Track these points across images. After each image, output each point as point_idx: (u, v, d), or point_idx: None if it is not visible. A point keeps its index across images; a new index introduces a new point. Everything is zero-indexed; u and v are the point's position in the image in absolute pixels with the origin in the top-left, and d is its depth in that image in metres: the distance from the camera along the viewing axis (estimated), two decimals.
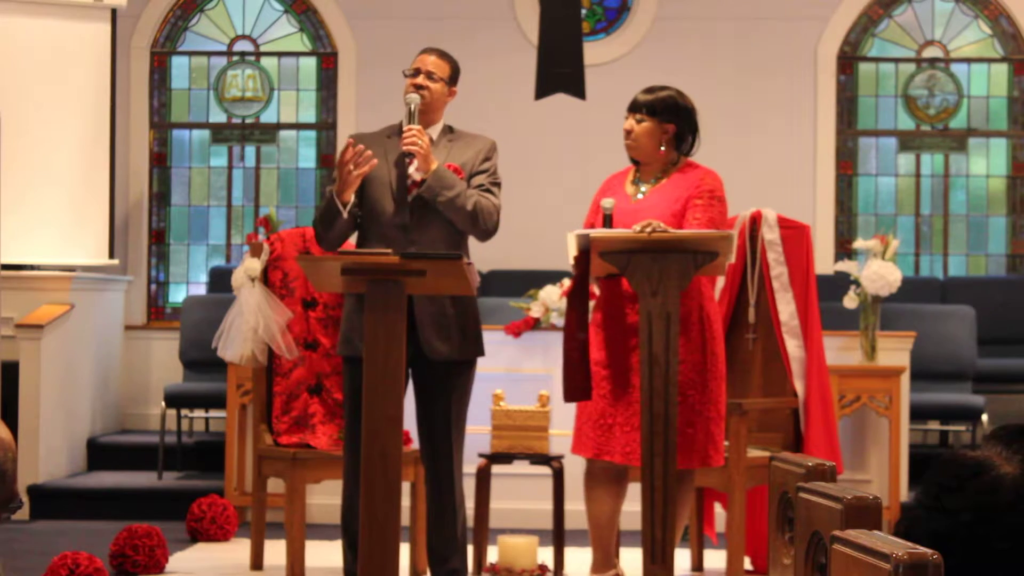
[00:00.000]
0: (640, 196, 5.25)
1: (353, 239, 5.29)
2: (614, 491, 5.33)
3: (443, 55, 5.32)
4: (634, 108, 5.29)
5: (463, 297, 5.13)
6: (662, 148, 5.27)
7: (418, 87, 5.23)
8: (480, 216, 5.14)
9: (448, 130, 5.34)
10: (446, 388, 5.18)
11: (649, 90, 5.32)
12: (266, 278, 6.05)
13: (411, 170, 5.16)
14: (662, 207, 5.16)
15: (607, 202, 5.18)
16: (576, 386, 5.01)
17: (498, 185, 5.28)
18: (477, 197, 5.15)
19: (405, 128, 5.13)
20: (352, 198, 5.06)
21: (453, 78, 5.33)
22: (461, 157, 5.25)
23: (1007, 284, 9.11)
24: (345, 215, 5.02)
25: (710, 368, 5.14)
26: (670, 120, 5.27)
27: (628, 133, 5.28)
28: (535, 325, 7.25)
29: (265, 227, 6.56)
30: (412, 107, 5.16)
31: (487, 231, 5.19)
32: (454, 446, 5.20)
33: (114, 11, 8.54)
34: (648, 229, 4.84)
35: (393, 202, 5.16)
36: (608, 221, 5.13)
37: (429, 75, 5.25)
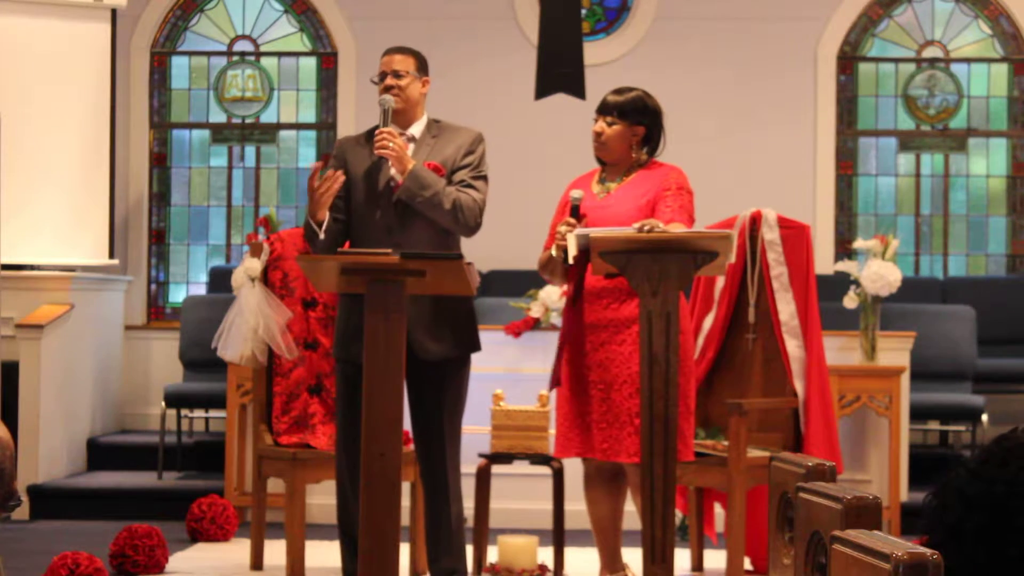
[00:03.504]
0: (606, 194, 5.28)
1: None
2: (612, 491, 5.35)
3: (404, 50, 5.29)
4: (604, 110, 5.30)
5: (453, 295, 5.10)
6: (632, 150, 5.30)
7: (389, 88, 5.21)
8: (460, 213, 5.11)
9: (433, 124, 5.31)
10: (439, 388, 5.16)
11: (618, 91, 5.35)
12: (266, 278, 6.05)
13: (392, 172, 5.14)
14: (628, 203, 5.19)
15: (576, 192, 5.21)
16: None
17: (483, 178, 5.23)
18: (456, 194, 5.11)
19: (377, 132, 5.12)
20: (327, 216, 5.05)
21: (421, 69, 5.29)
22: (442, 154, 5.22)
23: (1007, 284, 9.11)
24: (322, 235, 5.02)
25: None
26: (639, 122, 5.30)
27: (598, 135, 5.30)
28: (535, 325, 7.25)
29: (265, 227, 6.56)
30: (386, 107, 5.14)
31: (469, 227, 5.16)
32: (448, 445, 5.18)
33: (114, 11, 8.54)
34: (647, 228, 4.84)
35: (376, 205, 5.15)
36: (575, 211, 5.15)
37: (396, 75, 5.23)
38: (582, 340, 5.22)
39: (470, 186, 5.17)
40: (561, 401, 5.28)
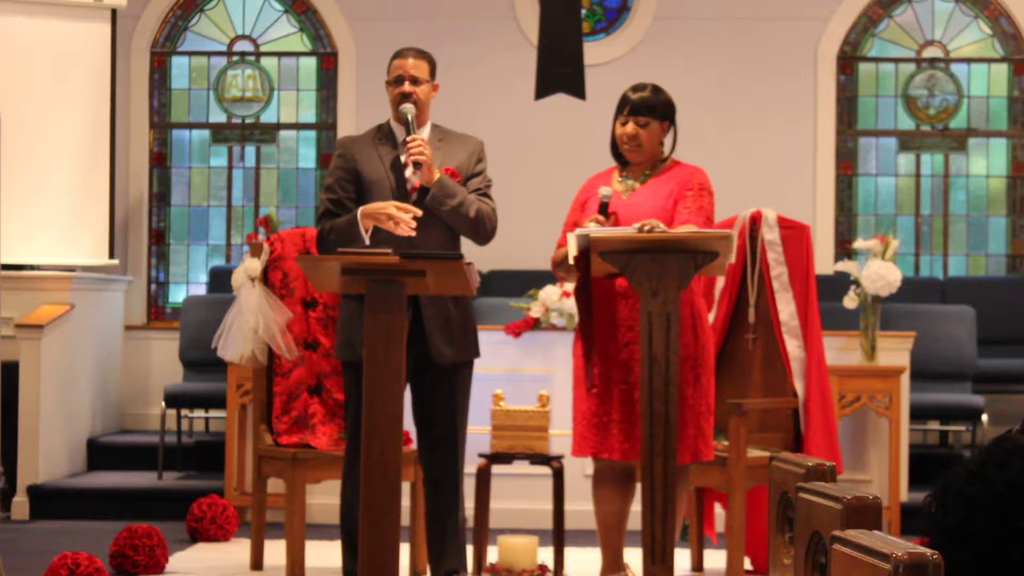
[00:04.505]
0: (631, 192, 5.24)
1: None
2: (621, 491, 5.30)
3: (419, 54, 5.30)
4: (638, 111, 5.21)
5: (462, 298, 5.15)
6: (660, 147, 5.27)
7: (406, 95, 5.21)
8: (481, 222, 5.16)
9: (436, 130, 5.33)
10: (449, 390, 5.18)
11: (641, 88, 5.26)
12: (266, 278, 6.05)
13: (408, 173, 5.16)
14: (653, 202, 5.16)
15: (605, 190, 5.16)
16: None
17: (490, 187, 5.31)
18: (478, 204, 5.16)
19: (409, 139, 5.12)
20: (371, 227, 5.08)
21: (433, 73, 5.31)
22: (455, 159, 5.25)
23: (1007, 284, 9.11)
24: (367, 242, 5.05)
25: (701, 362, 5.14)
26: (666, 118, 5.26)
27: (634, 138, 5.21)
28: (535, 325, 7.25)
29: (265, 227, 6.56)
30: (410, 117, 5.15)
31: (487, 236, 5.22)
32: (456, 447, 5.21)
33: (114, 11, 8.54)
34: (647, 228, 4.83)
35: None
36: (604, 209, 5.12)
37: (413, 80, 5.24)
38: (604, 338, 5.16)
39: (485, 195, 5.23)
40: (578, 400, 5.24)
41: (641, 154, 5.24)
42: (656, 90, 5.28)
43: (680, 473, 5.18)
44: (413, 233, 5.01)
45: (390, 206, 5.04)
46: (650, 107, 5.22)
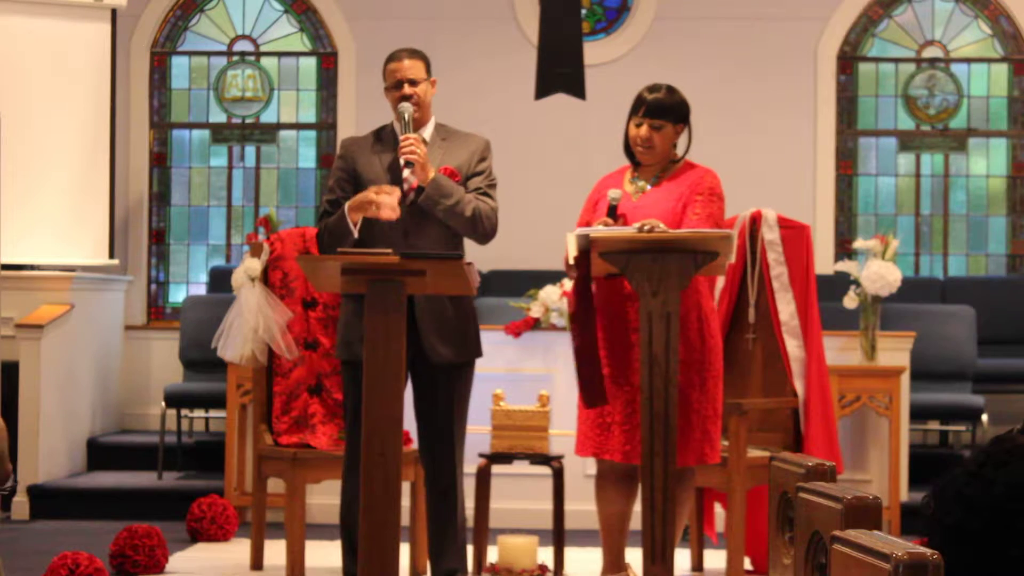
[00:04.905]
0: (641, 194, 5.21)
1: None
2: (624, 492, 5.27)
3: (411, 54, 5.28)
4: (652, 113, 5.16)
5: (462, 298, 5.14)
6: (673, 149, 5.25)
7: (407, 97, 5.21)
8: (479, 221, 5.14)
9: (440, 129, 5.32)
10: (447, 390, 5.18)
11: (656, 89, 5.21)
12: (266, 278, 6.05)
13: (406, 173, 5.15)
14: (663, 205, 5.12)
15: (614, 192, 5.13)
16: (594, 392, 4.98)
17: (494, 186, 5.27)
18: (476, 202, 5.14)
19: (402, 137, 5.12)
20: (359, 219, 5.07)
21: (429, 70, 5.30)
22: (456, 159, 5.24)
23: (1007, 284, 9.11)
24: (355, 235, 5.04)
25: (708, 366, 5.12)
26: (681, 121, 5.23)
27: (647, 140, 5.18)
28: (535, 325, 7.25)
29: (265, 227, 6.56)
30: (406, 116, 5.15)
31: (486, 235, 5.19)
32: (456, 447, 5.21)
33: (114, 11, 8.54)
34: (647, 228, 4.83)
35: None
36: (613, 211, 5.09)
37: (411, 82, 5.23)
38: (613, 340, 5.13)
39: (486, 194, 5.21)
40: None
41: (653, 156, 5.21)
42: (671, 91, 5.23)
43: (684, 476, 5.18)
44: (396, 215, 4.99)
45: (370, 192, 5.02)
46: (665, 109, 5.17)
